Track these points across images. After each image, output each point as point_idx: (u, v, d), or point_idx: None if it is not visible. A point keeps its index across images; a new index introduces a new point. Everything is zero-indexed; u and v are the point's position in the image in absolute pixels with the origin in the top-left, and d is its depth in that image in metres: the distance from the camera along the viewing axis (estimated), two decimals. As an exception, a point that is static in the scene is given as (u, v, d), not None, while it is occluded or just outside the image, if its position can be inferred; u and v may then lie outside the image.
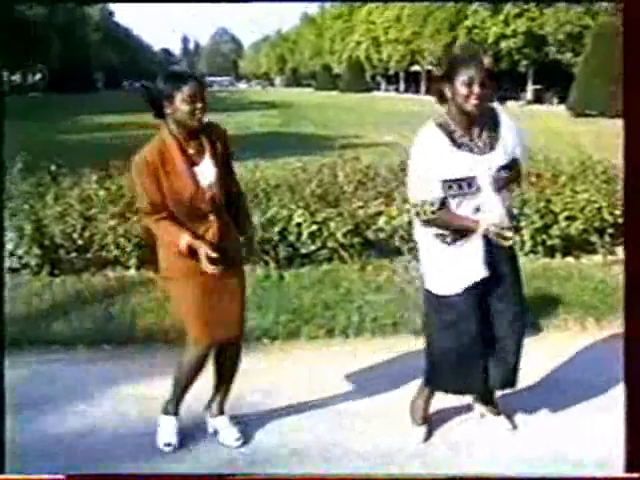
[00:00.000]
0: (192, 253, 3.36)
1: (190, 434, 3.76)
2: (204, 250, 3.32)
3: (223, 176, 3.47)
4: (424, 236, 3.52)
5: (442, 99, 3.43)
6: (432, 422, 3.84)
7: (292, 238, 6.49)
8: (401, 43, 70.12)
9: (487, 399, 3.87)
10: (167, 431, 3.69)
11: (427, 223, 3.43)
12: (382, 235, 6.71)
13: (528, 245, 6.73)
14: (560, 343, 4.94)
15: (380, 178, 7.60)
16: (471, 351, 3.53)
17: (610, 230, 6.87)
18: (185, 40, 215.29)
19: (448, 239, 3.44)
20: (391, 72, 79.20)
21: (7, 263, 6.08)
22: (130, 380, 4.43)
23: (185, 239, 3.34)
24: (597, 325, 5.28)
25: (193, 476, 3.48)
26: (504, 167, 3.39)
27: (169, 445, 3.65)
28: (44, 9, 60.78)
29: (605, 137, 13.16)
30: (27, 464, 3.40)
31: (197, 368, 3.61)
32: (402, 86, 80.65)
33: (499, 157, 3.38)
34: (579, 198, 6.89)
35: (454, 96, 3.32)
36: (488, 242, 3.38)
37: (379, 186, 7.33)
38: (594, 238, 6.89)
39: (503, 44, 55.58)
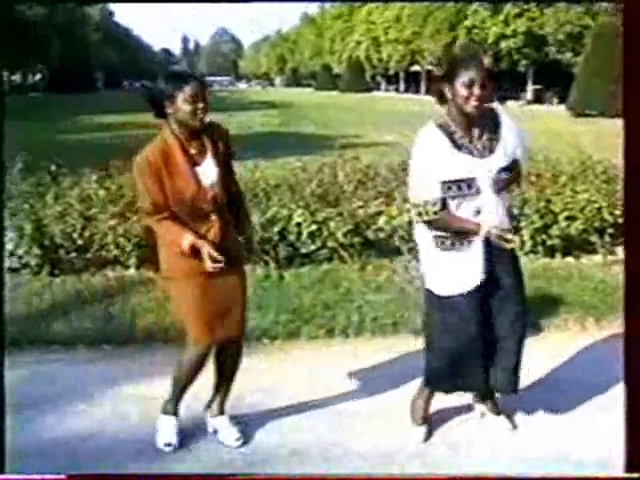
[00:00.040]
0: (194, 253, 3.36)
1: (190, 434, 3.76)
2: (207, 249, 3.32)
3: (224, 176, 3.48)
4: (424, 236, 3.52)
5: (442, 100, 3.43)
6: (432, 422, 3.84)
7: (292, 238, 6.49)
8: (401, 43, 70.14)
9: (488, 398, 3.87)
10: (167, 431, 3.69)
11: (428, 224, 3.43)
12: (382, 235, 6.71)
13: (528, 245, 6.73)
14: (560, 343, 4.94)
15: (380, 178, 7.60)
16: (471, 352, 3.53)
17: (610, 230, 6.87)
18: (185, 40, 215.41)
19: (447, 243, 3.44)
20: (391, 72, 79.21)
21: (7, 263, 6.08)
22: (130, 380, 4.43)
23: (188, 239, 3.34)
24: (597, 325, 5.27)
25: (193, 476, 3.48)
26: (505, 169, 3.39)
27: (169, 445, 3.65)
28: (44, 9, 60.74)
29: (605, 137, 13.17)
30: (27, 464, 3.39)
31: (197, 368, 3.61)
32: (402, 86, 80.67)
33: (499, 159, 3.38)
34: (579, 198, 6.89)
35: (454, 97, 3.32)
36: (489, 243, 3.38)
37: (379, 186, 7.33)
38: (594, 238, 6.89)
39: (503, 44, 55.60)
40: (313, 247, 6.52)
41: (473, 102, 3.27)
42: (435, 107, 3.55)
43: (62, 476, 3.30)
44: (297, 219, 6.51)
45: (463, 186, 3.34)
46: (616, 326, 4.90)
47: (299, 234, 6.49)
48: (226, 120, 3.63)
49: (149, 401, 3.95)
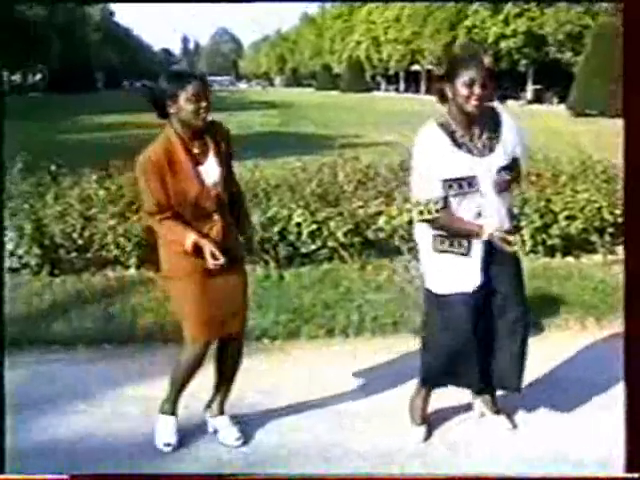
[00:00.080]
0: (196, 252, 3.36)
1: (190, 434, 3.76)
2: (209, 248, 3.32)
3: (226, 175, 3.48)
4: (424, 236, 3.53)
5: (443, 99, 3.44)
6: (431, 422, 3.84)
7: (292, 237, 6.49)
8: (401, 43, 70.17)
9: (487, 395, 3.86)
10: (166, 431, 3.69)
11: (429, 222, 3.43)
12: (382, 235, 6.71)
13: (528, 245, 6.73)
14: (560, 343, 4.94)
15: (380, 178, 7.61)
16: (468, 350, 3.53)
17: (610, 229, 6.87)
18: (185, 40, 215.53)
19: (447, 242, 3.44)
20: (391, 72, 79.24)
21: (7, 263, 6.08)
22: (130, 380, 4.42)
23: (191, 238, 3.34)
24: (597, 324, 5.27)
25: (193, 476, 3.48)
26: (505, 168, 3.39)
27: (169, 445, 3.64)
28: (44, 9, 60.73)
29: (605, 137, 13.18)
30: (27, 464, 3.39)
31: (194, 367, 3.60)
32: (402, 86, 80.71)
33: (499, 158, 3.38)
34: (579, 198, 6.89)
35: (455, 96, 3.33)
36: (489, 243, 3.38)
37: (379, 186, 7.34)
38: (594, 237, 6.89)
39: (503, 44, 55.61)
40: (313, 247, 6.52)
41: (474, 101, 3.27)
42: (435, 107, 3.56)
43: (63, 476, 3.29)
44: (297, 219, 6.51)
45: (464, 184, 3.34)
46: (616, 325, 4.90)
47: (299, 234, 6.50)
48: (226, 120, 3.63)
49: (149, 401, 3.95)
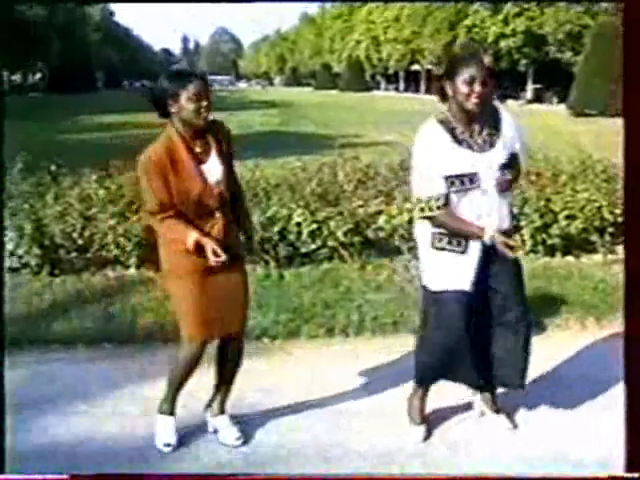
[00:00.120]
0: (198, 250, 3.36)
1: (190, 434, 3.76)
2: (211, 245, 3.32)
3: (228, 173, 3.49)
4: (423, 233, 3.53)
5: (444, 97, 3.44)
6: (431, 421, 3.84)
7: (292, 237, 6.49)
8: (401, 42, 70.16)
9: (488, 393, 3.87)
10: (165, 431, 3.68)
11: (431, 220, 3.43)
12: (382, 234, 6.71)
13: (528, 244, 6.74)
14: (561, 342, 4.94)
15: (380, 177, 7.62)
16: (460, 348, 3.53)
17: (610, 229, 6.87)
18: (185, 40, 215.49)
19: (445, 240, 3.44)
20: (391, 71, 79.24)
21: (7, 263, 6.09)
22: (130, 379, 4.42)
23: (193, 236, 3.34)
24: (597, 324, 5.28)
25: (193, 476, 3.48)
26: (506, 166, 3.40)
27: (168, 445, 3.64)
28: (44, 9, 60.70)
29: (605, 136, 13.18)
30: (27, 464, 3.39)
31: (191, 366, 3.60)
32: (402, 85, 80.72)
33: (499, 154, 3.39)
34: (579, 197, 6.89)
35: (455, 94, 3.33)
36: (488, 246, 3.38)
37: (379, 185, 7.35)
38: (594, 237, 6.90)
39: (503, 43, 55.59)
40: (313, 246, 6.52)
41: (474, 99, 3.28)
42: (435, 106, 3.57)
43: (63, 476, 3.30)
44: (297, 218, 6.51)
45: (465, 181, 3.35)
46: (616, 325, 4.90)
47: (299, 233, 6.50)
48: (226, 119, 3.63)
49: (149, 401, 3.94)
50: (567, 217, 6.78)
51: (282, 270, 6.34)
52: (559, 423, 3.87)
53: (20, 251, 6.30)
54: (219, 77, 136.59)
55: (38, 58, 65.59)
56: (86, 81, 70.67)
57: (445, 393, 3.98)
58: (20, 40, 49.86)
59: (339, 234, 6.53)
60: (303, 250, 6.52)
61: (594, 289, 5.92)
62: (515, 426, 3.82)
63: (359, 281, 6.12)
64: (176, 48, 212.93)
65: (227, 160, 3.50)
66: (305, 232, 6.49)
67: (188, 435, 3.74)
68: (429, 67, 65.50)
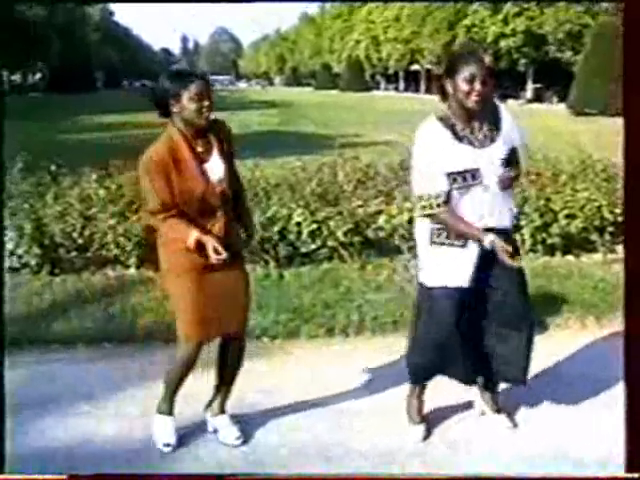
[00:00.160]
0: (199, 249, 3.36)
1: (190, 434, 3.76)
2: (211, 243, 3.32)
3: (230, 172, 3.49)
4: (423, 231, 3.53)
5: (444, 96, 3.44)
6: (431, 420, 3.85)
7: (292, 237, 6.49)
8: (400, 42, 70.16)
9: (489, 393, 3.87)
10: (165, 431, 3.68)
11: (432, 217, 3.42)
12: (382, 234, 6.72)
13: (528, 244, 6.74)
14: (560, 341, 4.94)
15: (380, 177, 7.62)
16: (451, 344, 3.54)
17: (610, 228, 6.87)
18: (185, 39, 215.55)
19: (444, 236, 3.44)
20: (391, 71, 79.23)
21: (7, 262, 6.09)
22: (130, 379, 4.42)
23: (194, 235, 3.34)
24: (597, 323, 5.28)
25: (193, 476, 3.48)
26: (507, 161, 3.40)
27: (168, 445, 3.64)
28: (44, 9, 60.70)
29: (605, 136, 13.19)
30: (27, 464, 3.40)
31: (187, 366, 3.60)
32: (402, 85, 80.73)
33: (500, 149, 3.40)
34: (579, 196, 6.90)
35: (455, 92, 3.34)
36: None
37: (379, 185, 7.35)
38: (594, 236, 6.90)
39: (502, 43, 55.59)
40: (313, 246, 6.52)
41: (474, 97, 3.28)
42: (435, 106, 3.57)
43: (62, 476, 3.29)
44: (297, 218, 6.51)
45: (468, 177, 3.35)
46: (616, 324, 4.90)
47: (299, 233, 6.50)
48: (226, 119, 3.64)
49: (149, 400, 3.94)
50: (567, 216, 6.78)
51: (282, 270, 6.34)
52: (559, 422, 3.87)
53: (20, 251, 6.30)
54: (219, 77, 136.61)
55: (38, 58, 65.62)
56: (86, 81, 70.69)
57: (445, 392, 3.98)
58: (20, 40, 49.87)
59: (339, 234, 6.53)
60: (303, 250, 6.52)
61: (594, 288, 5.92)
62: (515, 425, 3.82)
63: (359, 281, 6.12)
64: (176, 48, 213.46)
65: (228, 159, 3.51)
66: (305, 232, 6.49)
67: (188, 435, 3.74)
68: (429, 67, 65.55)
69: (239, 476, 3.44)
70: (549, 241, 6.78)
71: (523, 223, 6.65)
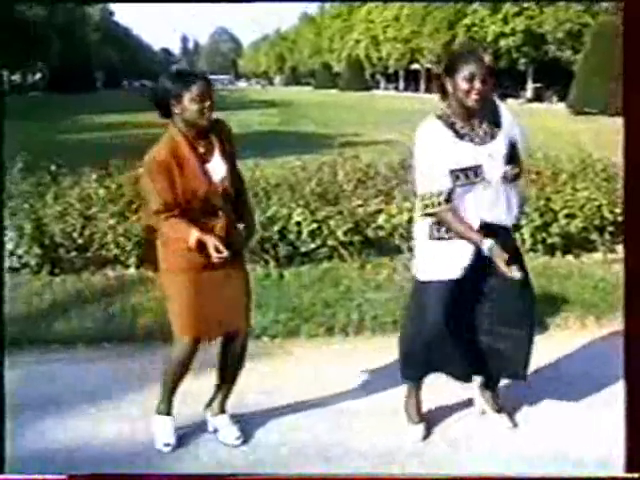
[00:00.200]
0: (200, 248, 3.36)
1: (190, 433, 3.76)
2: (212, 242, 3.32)
3: (232, 171, 3.49)
4: (422, 227, 3.53)
5: (444, 95, 3.44)
6: (430, 419, 3.85)
7: (292, 237, 6.49)
8: (400, 42, 70.13)
9: (489, 389, 3.87)
10: (164, 431, 3.68)
11: (434, 216, 3.41)
12: (382, 233, 6.72)
13: (528, 243, 6.74)
14: (560, 341, 4.94)
15: (380, 176, 7.62)
16: (437, 340, 3.53)
17: (610, 228, 6.87)
18: (184, 39, 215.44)
19: (442, 231, 3.43)
20: (390, 70, 79.20)
21: (7, 262, 6.09)
22: (130, 379, 4.42)
23: (195, 234, 3.33)
24: (597, 323, 5.28)
25: (193, 476, 3.48)
26: (508, 156, 3.40)
27: (168, 445, 3.64)
28: (44, 9, 60.69)
29: (605, 135, 13.19)
30: (27, 464, 3.40)
31: (184, 364, 3.59)
32: (401, 84, 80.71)
33: (501, 145, 3.40)
34: (579, 196, 6.90)
35: (455, 91, 3.34)
36: (488, 234, 3.36)
37: (379, 184, 7.35)
38: (594, 236, 6.90)
39: (502, 42, 55.59)
40: (313, 246, 6.52)
41: (474, 96, 3.28)
42: (435, 105, 3.56)
43: (62, 476, 3.30)
44: (297, 218, 6.52)
45: (470, 174, 3.35)
46: (616, 324, 4.90)
47: (299, 233, 6.50)
48: (226, 119, 3.64)
49: (149, 400, 3.94)
50: (567, 216, 6.78)
51: (282, 269, 6.34)
52: (559, 421, 3.88)
53: (20, 251, 6.30)
54: (219, 77, 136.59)
55: (38, 58, 65.60)
56: (86, 81, 70.65)
57: (445, 391, 3.99)
58: (20, 40, 49.85)
59: (339, 233, 6.53)
60: (303, 249, 6.52)
61: (594, 288, 5.92)
62: (515, 425, 3.82)
63: (359, 280, 6.12)
64: (176, 48, 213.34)
65: (230, 158, 3.51)
66: (305, 231, 6.49)
67: (188, 435, 3.74)
68: (428, 66, 65.54)
69: (239, 476, 3.44)
70: (549, 241, 6.78)
71: (523, 223, 6.64)
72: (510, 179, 3.42)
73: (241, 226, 3.62)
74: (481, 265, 3.42)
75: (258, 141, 16.94)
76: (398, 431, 3.77)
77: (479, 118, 3.41)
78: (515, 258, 3.57)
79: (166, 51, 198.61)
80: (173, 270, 3.49)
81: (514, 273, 3.27)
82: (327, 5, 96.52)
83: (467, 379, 3.79)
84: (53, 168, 7.41)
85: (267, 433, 3.79)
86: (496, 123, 3.44)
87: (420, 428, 3.76)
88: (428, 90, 63.28)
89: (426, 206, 3.41)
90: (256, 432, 3.78)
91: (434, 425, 3.84)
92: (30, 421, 3.85)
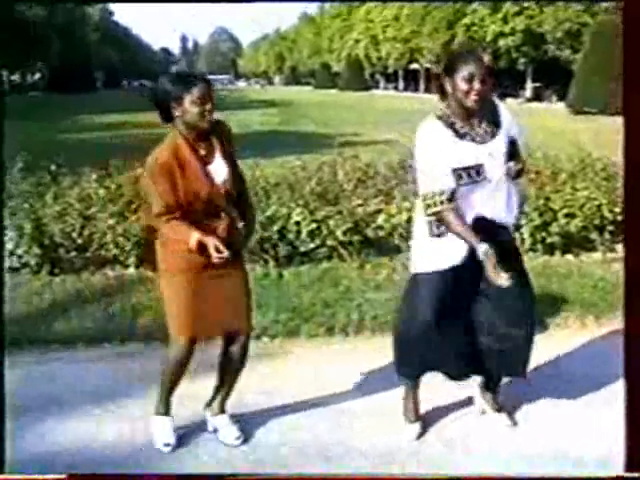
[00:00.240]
0: (200, 250, 3.35)
1: (190, 433, 3.76)
2: (213, 243, 3.32)
3: (233, 172, 3.49)
4: (421, 229, 3.52)
5: (443, 95, 3.44)
6: (428, 419, 3.85)
7: (291, 236, 6.49)
8: (400, 41, 70.09)
9: (490, 390, 3.87)
10: (163, 431, 3.68)
11: (435, 216, 3.40)
12: (381, 233, 6.72)
13: (527, 243, 6.74)
14: (560, 341, 4.93)
15: (379, 176, 7.61)
16: (428, 333, 3.51)
17: (610, 227, 6.87)
18: (184, 39, 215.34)
19: (442, 227, 3.43)
20: (390, 70, 79.15)
21: (7, 262, 6.09)
22: (130, 378, 4.42)
23: (195, 237, 3.33)
24: (597, 322, 5.28)
25: (193, 476, 3.48)
26: (509, 155, 3.40)
27: (168, 445, 3.64)
28: (44, 9, 60.71)
29: (604, 134, 13.17)
30: (27, 463, 3.40)
31: (180, 365, 3.59)
32: (401, 84, 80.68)
33: (501, 143, 3.40)
34: (579, 195, 6.90)
35: (454, 91, 3.33)
36: (487, 239, 3.36)
37: (378, 184, 7.35)
38: (594, 235, 6.90)
39: (502, 42, 55.57)
40: (312, 245, 6.52)
41: (473, 96, 3.28)
42: (434, 105, 3.56)
43: (62, 476, 3.30)
44: (296, 218, 6.52)
45: (472, 173, 3.35)
46: (616, 323, 4.90)
47: (298, 233, 6.50)
48: (226, 119, 3.64)
49: (149, 400, 3.94)
50: (566, 215, 6.79)
51: (281, 269, 6.34)
52: (559, 421, 3.87)
53: (20, 251, 6.31)
54: (218, 76, 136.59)
55: (38, 58, 65.63)
56: (86, 81, 70.68)
57: (444, 390, 3.99)
58: (20, 40, 49.87)
59: (338, 233, 6.53)
60: (302, 249, 6.52)
61: (594, 287, 5.92)
62: (515, 424, 3.82)
63: (358, 280, 6.12)
64: (175, 48, 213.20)
65: (231, 159, 3.51)
66: (304, 231, 6.49)
67: (188, 435, 3.75)
68: (428, 66, 65.52)
69: (239, 476, 3.44)
70: (548, 240, 6.78)
71: (522, 222, 6.64)
72: (513, 176, 3.42)
73: (241, 224, 3.62)
74: (478, 266, 3.41)
75: (258, 141, 16.94)
76: (398, 431, 3.77)
77: (479, 118, 3.41)
78: (514, 258, 3.57)
79: (166, 51, 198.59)
80: (172, 271, 3.49)
81: (501, 281, 3.22)
82: (327, 5, 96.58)
83: (463, 378, 3.80)
84: (53, 168, 7.41)
85: (267, 433, 3.79)
86: (495, 122, 3.44)
87: (416, 427, 3.76)
88: (427, 90, 63.20)
89: (428, 206, 3.40)
90: (256, 432, 3.78)
91: (432, 424, 3.83)
92: (30, 421, 3.85)
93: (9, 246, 6.23)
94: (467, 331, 3.59)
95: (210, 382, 3.80)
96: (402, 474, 3.43)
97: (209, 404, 3.81)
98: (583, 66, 36.85)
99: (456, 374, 3.76)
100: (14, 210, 6.51)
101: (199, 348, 3.65)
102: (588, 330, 5.16)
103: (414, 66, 72.48)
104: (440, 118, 3.41)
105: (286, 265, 6.42)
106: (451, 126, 3.38)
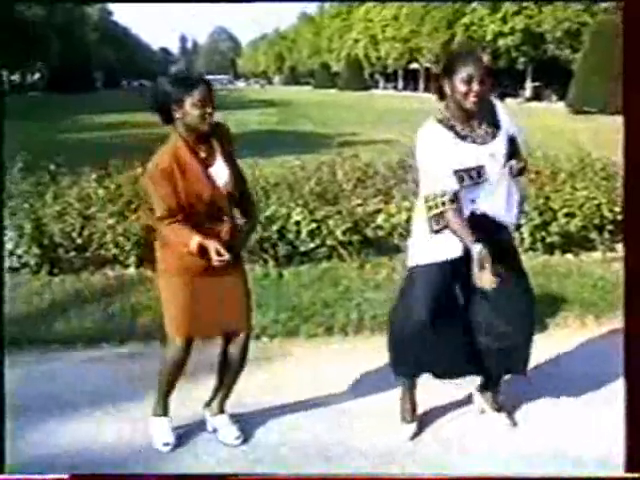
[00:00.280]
0: (201, 252, 3.35)
1: (189, 433, 3.76)
2: (214, 246, 3.31)
3: (235, 173, 3.49)
4: (420, 227, 3.52)
5: (442, 96, 3.44)
6: (426, 419, 3.85)
7: (291, 236, 6.49)
8: (399, 41, 70.13)
9: (490, 390, 3.87)
10: (162, 432, 3.68)
11: (437, 217, 3.40)
12: (381, 233, 6.72)
13: (527, 242, 6.74)
14: (560, 340, 4.93)
15: (379, 176, 7.61)
16: (420, 336, 3.50)
17: (609, 227, 6.87)
18: (183, 39, 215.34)
19: (442, 223, 3.42)
20: (389, 70, 79.20)
21: (7, 262, 6.09)
22: (130, 378, 4.42)
23: (196, 240, 3.33)
24: (596, 322, 5.28)
25: (193, 476, 3.48)
26: (509, 155, 3.40)
27: (167, 445, 3.64)
28: (43, 9, 60.71)
29: (604, 134, 13.17)
30: (27, 463, 3.39)
31: (177, 365, 3.60)
32: (400, 84, 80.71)
33: (501, 144, 3.41)
34: (578, 195, 6.90)
35: (453, 93, 3.33)
36: (486, 239, 3.36)
37: (378, 184, 7.35)
38: (593, 235, 6.90)
39: (501, 42, 55.61)
40: (312, 245, 6.52)
41: (472, 98, 3.27)
42: (434, 105, 3.56)
43: (63, 476, 3.30)
44: (296, 217, 6.52)
45: (474, 174, 3.35)
46: (616, 323, 4.90)
47: (298, 232, 6.50)
48: (225, 118, 3.64)
49: (149, 400, 3.94)
50: (566, 215, 6.79)
51: (281, 269, 6.34)
52: (558, 420, 3.87)
53: (19, 251, 6.30)
54: (218, 76, 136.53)
55: (37, 58, 65.65)
56: (85, 81, 70.69)
57: (443, 390, 3.99)
58: (20, 40, 49.88)
59: (338, 233, 6.53)
60: (302, 249, 6.52)
61: (593, 287, 5.92)
62: (515, 424, 3.82)
63: (358, 280, 6.12)
64: (174, 47, 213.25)
65: (231, 160, 3.50)
66: (304, 231, 6.49)
67: (187, 435, 3.74)
68: (428, 65, 65.53)
69: (239, 476, 3.44)
70: (548, 240, 6.79)
71: (522, 222, 6.64)
72: (515, 173, 3.43)
73: (242, 221, 3.61)
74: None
75: (257, 140, 16.94)
76: (398, 431, 3.76)
77: (478, 119, 3.41)
78: (512, 257, 3.58)
79: (165, 51, 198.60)
80: (170, 271, 3.49)
81: (485, 284, 3.22)
82: (326, 5, 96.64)
83: (459, 377, 3.80)
84: (52, 168, 7.41)
85: (267, 433, 3.79)
86: (495, 123, 3.44)
87: (412, 427, 3.76)
88: (427, 89, 63.17)
89: (430, 207, 3.39)
90: (256, 432, 3.78)
91: (429, 424, 3.83)
92: (29, 420, 3.84)
93: (9, 246, 6.23)
94: (465, 331, 3.59)
95: (210, 382, 3.80)
96: (402, 474, 3.43)
97: (208, 404, 3.81)
98: (583, 66, 36.88)
99: (452, 373, 3.75)
100: (14, 210, 6.51)
101: (198, 348, 3.66)
102: (588, 329, 5.16)
103: (413, 66, 72.53)
104: (440, 121, 3.41)
105: (286, 265, 6.42)
106: (451, 128, 3.38)
